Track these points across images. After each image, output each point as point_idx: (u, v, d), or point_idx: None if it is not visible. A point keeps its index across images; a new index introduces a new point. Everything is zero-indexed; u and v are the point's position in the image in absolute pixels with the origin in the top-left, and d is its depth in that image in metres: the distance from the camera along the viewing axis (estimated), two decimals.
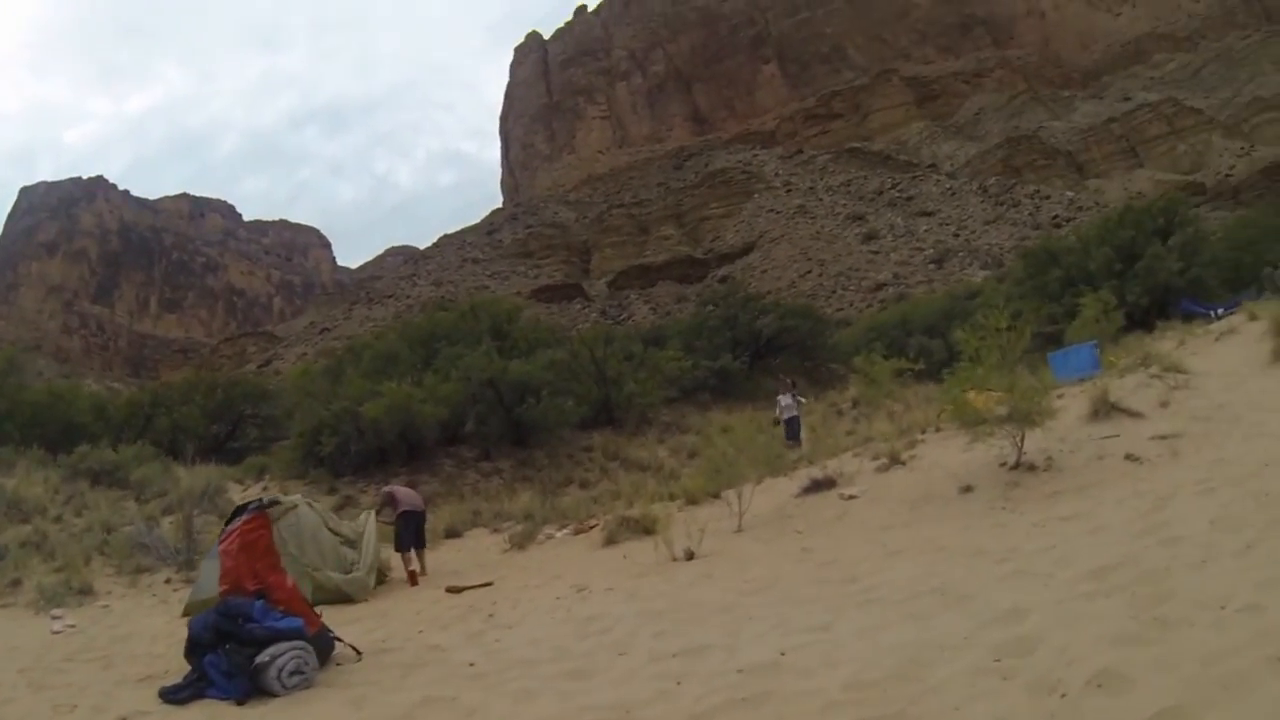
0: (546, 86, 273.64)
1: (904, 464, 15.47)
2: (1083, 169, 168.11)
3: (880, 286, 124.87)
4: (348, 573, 14.24)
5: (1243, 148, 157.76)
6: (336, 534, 14.86)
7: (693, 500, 17.14)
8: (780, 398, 27.68)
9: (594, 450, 31.69)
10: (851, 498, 14.11)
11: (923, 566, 9.02)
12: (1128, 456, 11.85)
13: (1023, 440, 12.82)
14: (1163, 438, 12.34)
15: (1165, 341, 24.77)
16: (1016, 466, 12.62)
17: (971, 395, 13.78)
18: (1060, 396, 16.01)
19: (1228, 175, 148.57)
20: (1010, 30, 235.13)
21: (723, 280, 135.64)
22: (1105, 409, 14.23)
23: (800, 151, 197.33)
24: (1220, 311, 33.81)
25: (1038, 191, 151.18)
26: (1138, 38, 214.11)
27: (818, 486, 15.37)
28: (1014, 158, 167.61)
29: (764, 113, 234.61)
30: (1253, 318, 23.39)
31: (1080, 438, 13.43)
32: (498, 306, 42.41)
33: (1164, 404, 14.45)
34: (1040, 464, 12.50)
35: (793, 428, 25.76)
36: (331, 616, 10.26)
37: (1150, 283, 37.01)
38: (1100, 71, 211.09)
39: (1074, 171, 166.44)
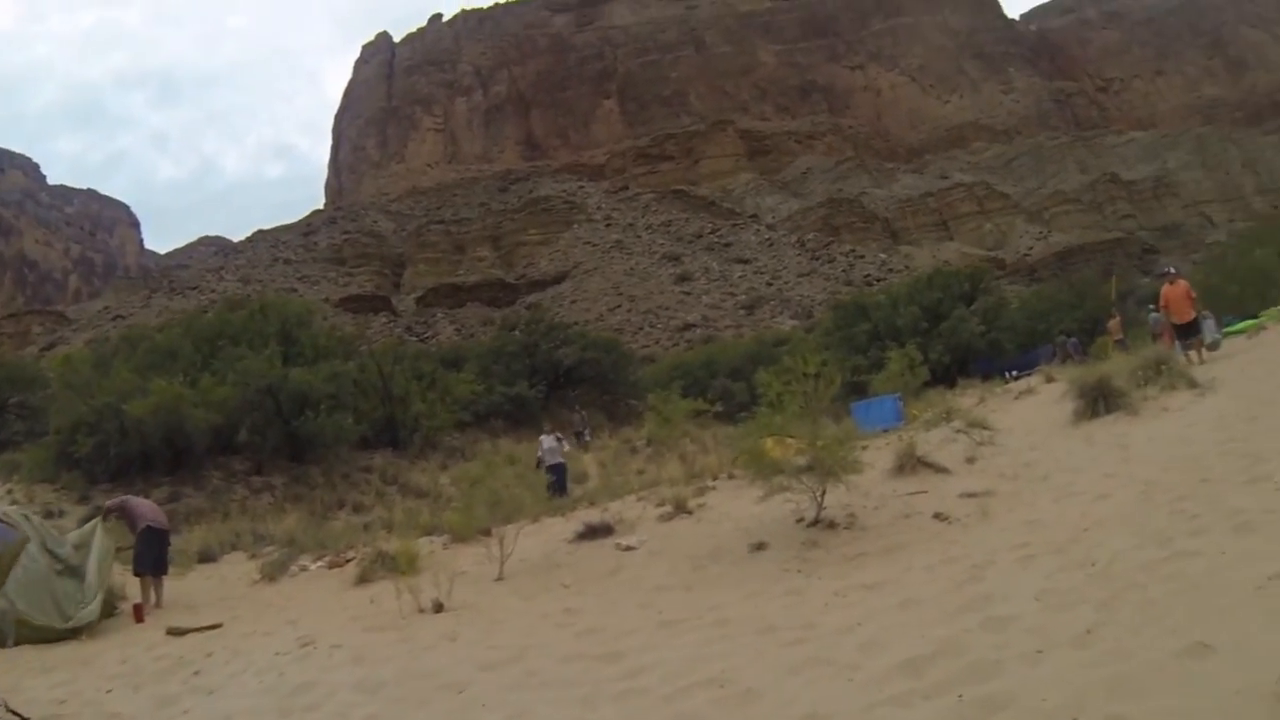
0: (388, 90, 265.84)
1: (690, 513, 13.94)
2: (897, 235, 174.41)
3: (688, 327, 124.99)
4: (68, 617, 11.70)
5: (1041, 232, 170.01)
6: (54, 556, 12.28)
7: (461, 537, 14.97)
8: (543, 438, 24.48)
9: (373, 472, 29.98)
10: (629, 549, 12.48)
11: (700, 644, 7.38)
12: (937, 515, 10.76)
13: (823, 495, 11.47)
14: (972, 495, 11.34)
15: (966, 398, 24.58)
16: (815, 523, 11.29)
17: (770, 443, 12.34)
18: (864, 448, 14.91)
19: (1026, 255, 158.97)
20: (847, 101, 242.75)
21: (530, 307, 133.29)
22: (911, 463, 13.21)
23: (626, 188, 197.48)
24: (1015, 374, 35.06)
25: (853, 251, 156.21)
26: (961, 125, 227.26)
27: (594, 533, 13.65)
28: (834, 217, 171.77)
29: (597, 146, 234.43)
30: (1049, 380, 23.44)
31: (885, 493, 12.35)
32: (288, 308, 39.67)
33: (970, 460, 13.55)
34: (842, 521, 11.25)
35: (559, 476, 22.31)
36: (25, 659, 9.25)
37: (953, 342, 38.32)
38: (923, 150, 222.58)
39: (888, 237, 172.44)
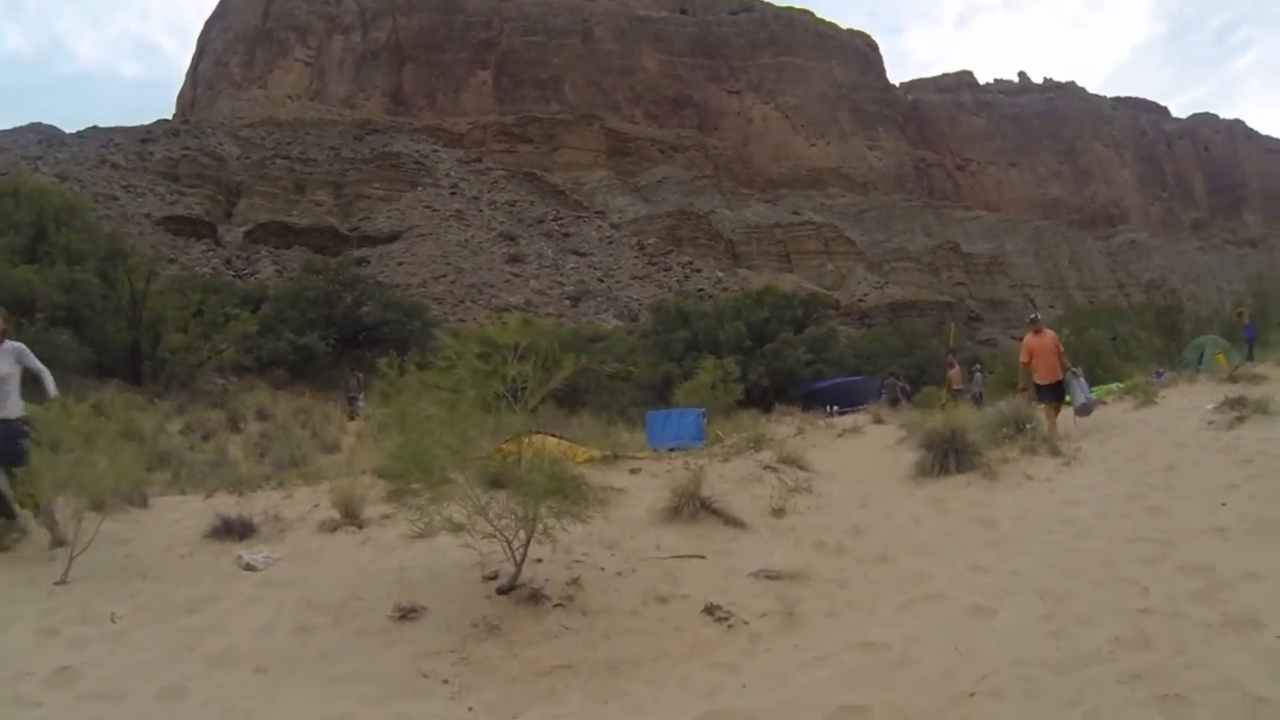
0: (265, 9, 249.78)
1: (361, 527, 9.47)
2: (739, 258, 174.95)
3: (509, 308, 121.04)
4: None
5: (879, 281, 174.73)
6: None
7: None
8: None
9: (101, 409, 24.44)
10: (249, 568, 7.99)
11: None
12: (711, 610, 6.52)
13: (527, 546, 6.94)
14: (773, 576, 7.22)
15: (783, 426, 21.00)
16: (511, 589, 6.84)
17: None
18: (634, 471, 10.87)
19: (860, 300, 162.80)
20: (717, 122, 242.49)
21: (359, 262, 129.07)
22: (692, 506, 8.99)
23: (480, 160, 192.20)
24: (836, 410, 32.31)
25: (691, 264, 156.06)
26: (822, 169, 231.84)
27: (228, 531, 9.19)
28: (680, 229, 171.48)
29: (462, 115, 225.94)
30: (879, 421, 20.02)
31: (642, 549, 8.25)
32: (46, 199, 34.13)
33: (778, 512, 9.69)
34: (556, 590, 6.98)
35: None
36: None
37: (776, 365, 36.02)
38: (781, 184, 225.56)
39: (730, 258, 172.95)
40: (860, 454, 15.11)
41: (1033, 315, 16.46)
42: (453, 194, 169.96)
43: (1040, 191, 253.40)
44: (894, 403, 31.52)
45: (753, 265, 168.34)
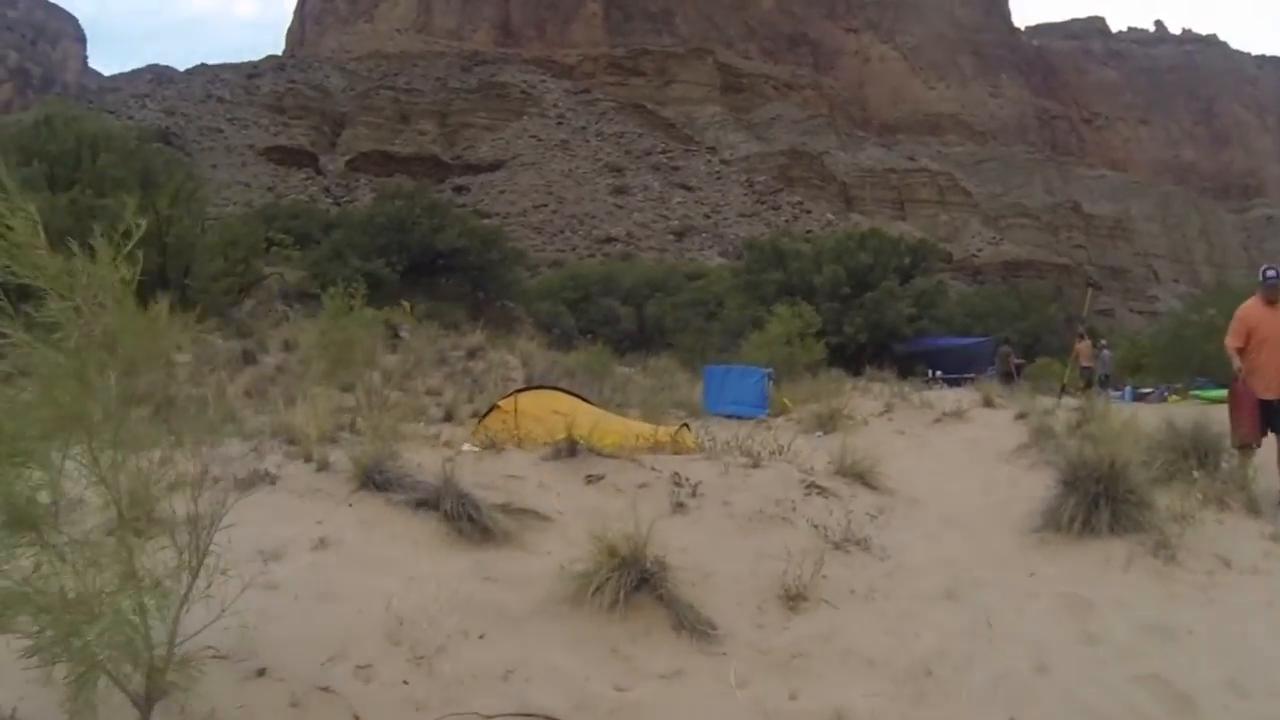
0: None
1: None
2: (851, 202, 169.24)
3: (610, 240, 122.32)
4: None
5: (994, 237, 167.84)
6: None
7: None
8: None
9: None
10: None
11: None
12: None
13: None
14: None
15: (867, 399, 16.88)
16: None
17: None
18: (592, 480, 7.26)
19: (974, 255, 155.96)
20: (833, 61, 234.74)
21: (459, 190, 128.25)
22: (626, 583, 5.27)
23: (588, 91, 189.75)
24: (939, 376, 28.39)
25: (801, 204, 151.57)
26: (940, 115, 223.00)
27: None
28: (792, 168, 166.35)
29: (571, 46, 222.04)
30: (988, 403, 15.73)
31: (475, 680, 4.37)
32: (83, 126, 31.95)
33: (792, 602, 5.62)
34: None
35: None
36: None
37: (875, 318, 31.66)
38: (898, 128, 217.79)
39: (842, 201, 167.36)
40: (961, 462, 10.86)
41: (1270, 271, 8.78)
42: (559, 124, 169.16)
43: (1171, 153, 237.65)
44: (1006, 377, 26.89)
45: (865, 210, 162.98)
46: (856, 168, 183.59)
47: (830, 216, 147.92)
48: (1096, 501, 6.58)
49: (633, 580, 5.17)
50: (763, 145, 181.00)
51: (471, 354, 27.86)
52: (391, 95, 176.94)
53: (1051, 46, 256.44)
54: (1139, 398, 26.00)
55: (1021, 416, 13.31)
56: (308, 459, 7.68)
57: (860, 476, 8.20)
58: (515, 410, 10.59)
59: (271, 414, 11.38)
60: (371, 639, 4.50)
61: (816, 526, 6.47)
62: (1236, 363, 8.56)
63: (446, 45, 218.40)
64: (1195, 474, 7.65)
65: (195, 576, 3.63)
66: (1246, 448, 8.23)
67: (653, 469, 7.61)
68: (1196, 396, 23.68)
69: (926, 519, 7.61)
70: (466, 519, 6.19)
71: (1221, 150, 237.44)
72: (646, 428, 10.71)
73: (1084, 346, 23.96)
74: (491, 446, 9.20)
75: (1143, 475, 6.83)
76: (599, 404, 16.36)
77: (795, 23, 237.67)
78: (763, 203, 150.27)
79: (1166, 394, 25.96)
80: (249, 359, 24.42)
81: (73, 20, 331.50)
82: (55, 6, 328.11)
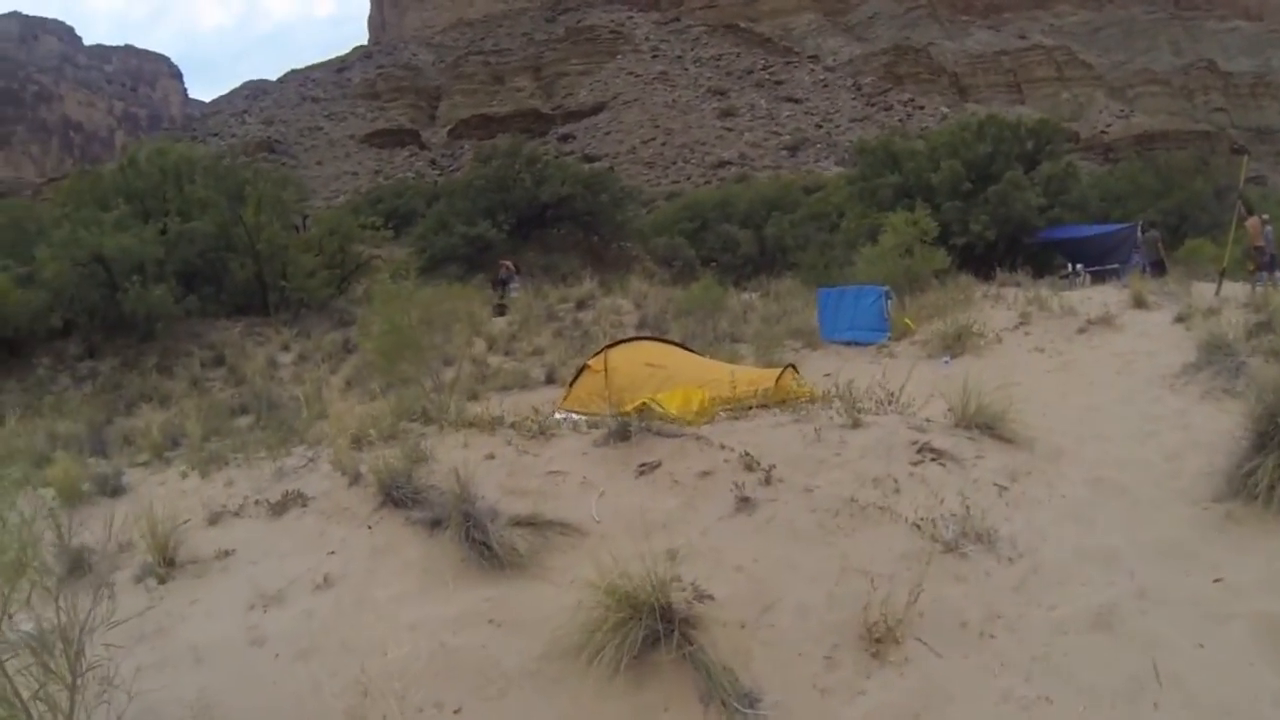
0: None
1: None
2: (964, 92, 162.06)
3: (723, 164, 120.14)
4: None
5: (1123, 110, 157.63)
6: None
7: None
8: None
9: (218, 349, 25.35)
10: None
11: None
12: None
13: None
14: None
15: (1001, 308, 15.07)
16: None
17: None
18: (645, 470, 6.13)
19: (1103, 132, 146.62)
20: None
21: (564, 139, 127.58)
22: (644, 637, 4.02)
23: (678, 19, 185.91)
24: (1081, 269, 25.93)
25: (912, 101, 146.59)
26: None
27: None
28: (898, 65, 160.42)
29: None
30: (1140, 304, 13.70)
31: None
32: (166, 159, 33.24)
33: (876, 645, 4.12)
34: None
35: None
36: None
37: (1003, 213, 29.44)
38: (1004, 7, 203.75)
39: (955, 92, 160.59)
40: (1114, 390, 9.04)
41: None
42: (654, 58, 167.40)
43: None
44: (1156, 267, 24.07)
45: (981, 99, 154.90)
46: (966, 55, 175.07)
47: (945, 110, 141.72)
48: None
49: (649, 634, 3.89)
50: (864, 46, 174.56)
51: (581, 304, 26.99)
52: (481, 59, 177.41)
53: None
54: None
55: (1182, 320, 11.29)
56: (343, 471, 6.80)
57: (988, 426, 6.54)
58: (605, 369, 9.83)
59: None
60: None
61: (919, 525, 4.88)
62: None
63: (528, 0, 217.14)
64: None
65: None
66: None
67: (722, 446, 6.14)
68: None
69: (1073, 485, 5.89)
70: (478, 542, 5.20)
71: None
72: (747, 374, 9.50)
73: (1254, 222, 20.44)
74: (585, 413, 8.40)
75: None
76: (706, 346, 15.26)
77: None
78: (873, 104, 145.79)
79: None
80: (350, 348, 24.09)
81: (164, 59, 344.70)
82: (146, 51, 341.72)
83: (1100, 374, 9.77)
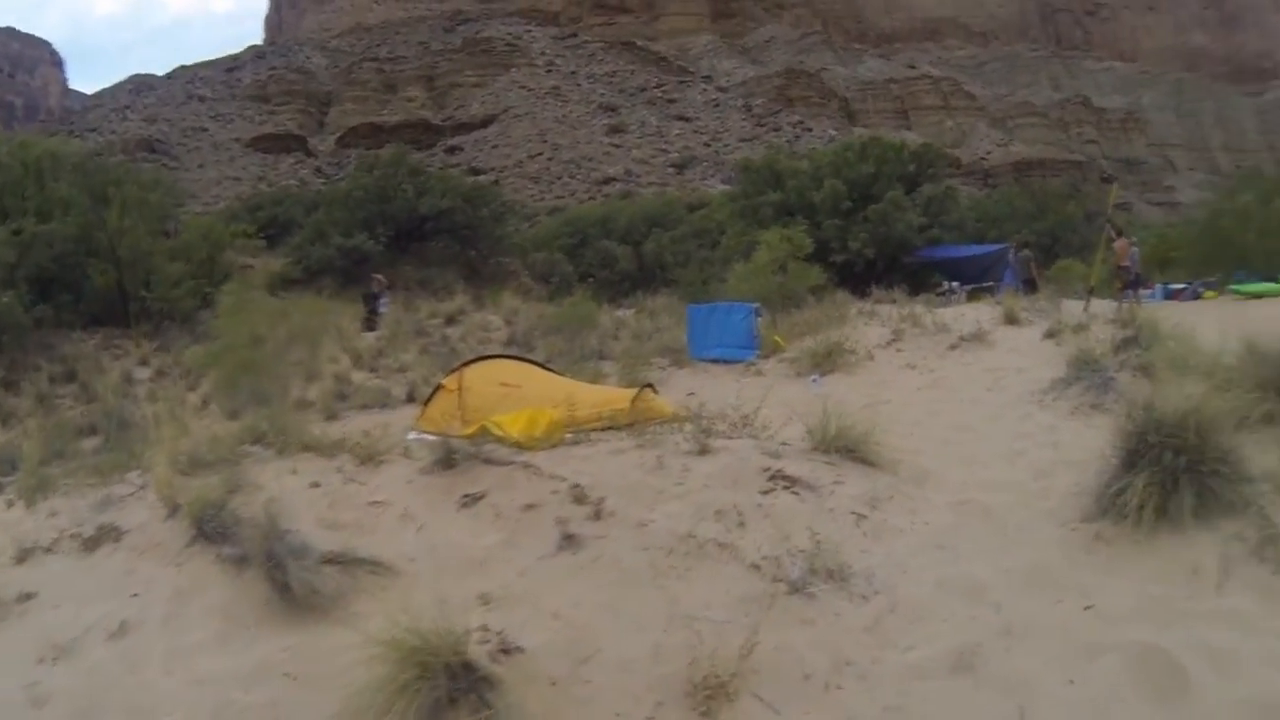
0: None
1: None
2: (853, 117, 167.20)
3: (609, 180, 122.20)
4: None
5: (1003, 139, 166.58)
6: None
7: None
8: None
9: (70, 363, 24.03)
10: None
11: None
12: None
13: None
14: None
15: (875, 325, 14.89)
16: None
17: None
18: (469, 501, 5.42)
19: (983, 159, 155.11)
20: None
21: (451, 150, 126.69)
22: None
23: (575, 35, 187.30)
24: (957, 287, 26.64)
25: (802, 123, 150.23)
26: (939, 19, 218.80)
27: None
28: (790, 88, 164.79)
29: None
30: (1012, 320, 13.66)
31: None
32: (29, 153, 31.43)
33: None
34: None
35: None
36: None
37: (883, 232, 30.26)
38: (895, 38, 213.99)
39: (844, 117, 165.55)
40: (983, 407, 8.78)
41: None
42: (549, 72, 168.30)
43: (1180, 40, 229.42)
44: (1029, 285, 24.60)
45: (869, 124, 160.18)
46: (856, 81, 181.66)
47: (833, 133, 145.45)
48: (1175, 477, 4.50)
49: (441, 695, 3.32)
50: (759, 68, 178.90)
51: (450, 320, 26.31)
52: (375, 66, 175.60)
53: None
54: (1172, 295, 24.44)
55: (1052, 335, 11.21)
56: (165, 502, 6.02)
57: (849, 449, 6.05)
58: (460, 388, 9.40)
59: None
60: None
61: (759, 565, 4.35)
62: None
63: (428, 8, 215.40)
64: None
65: None
66: None
67: (553, 476, 5.53)
68: (1235, 291, 22.42)
69: (937, 509, 5.45)
70: (280, 583, 4.59)
71: (1233, 33, 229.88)
72: (604, 394, 9.26)
73: (1122, 244, 21.45)
74: (439, 434, 7.73)
75: (1234, 433, 4.73)
76: (572, 364, 14.82)
77: None
78: (762, 125, 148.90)
79: (1201, 290, 24.45)
80: None
81: (46, 46, 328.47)
82: (28, 35, 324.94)
83: (971, 391, 9.54)
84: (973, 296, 24.32)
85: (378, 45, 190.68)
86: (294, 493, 5.51)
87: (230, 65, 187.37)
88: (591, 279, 40.81)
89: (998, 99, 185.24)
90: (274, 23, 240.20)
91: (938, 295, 23.68)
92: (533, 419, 7.30)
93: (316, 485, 5.96)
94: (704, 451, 5.91)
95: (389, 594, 4.44)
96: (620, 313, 26.42)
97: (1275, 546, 4.13)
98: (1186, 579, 4.08)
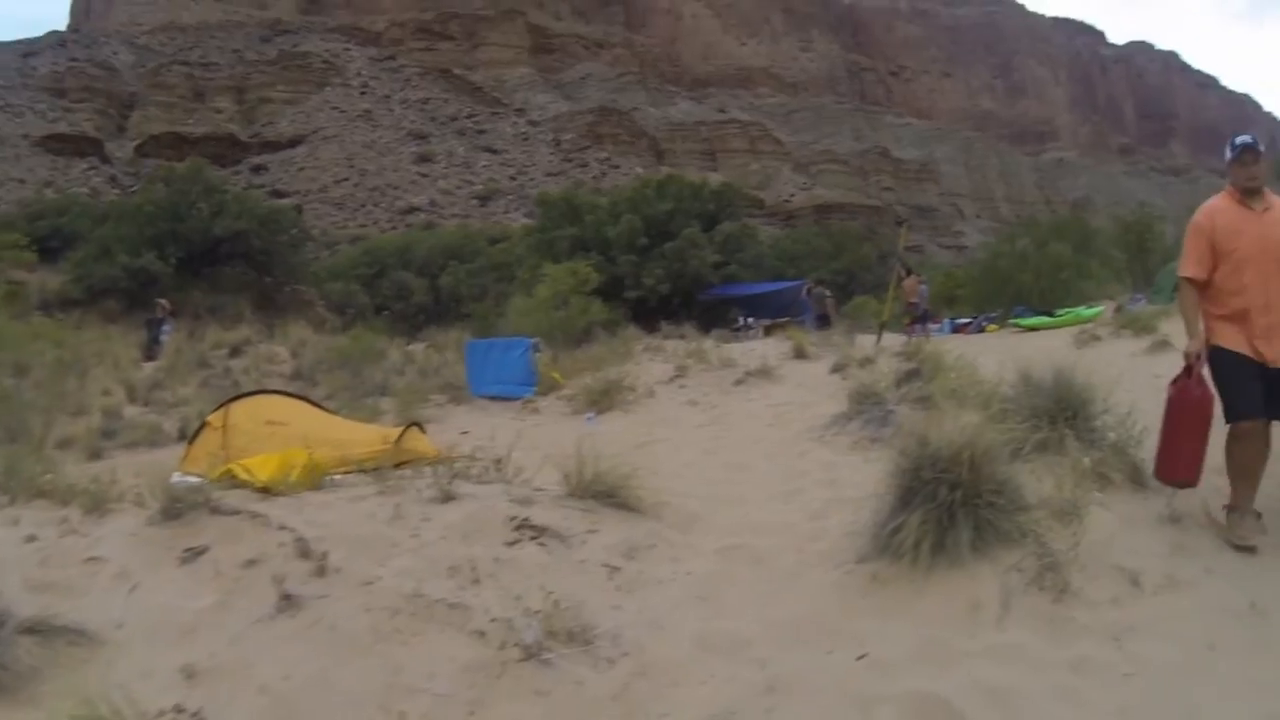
0: None
1: None
2: (661, 156, 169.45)
3: (413, 210, 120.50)
4: None
5: (805, 183, 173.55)
6: None
7: None
8: None
9: None
10: None
11: None
12: None
13: None
14: None
15: (658, 362, 14.75)
16: None
17: None
18: (189, 555, 4.62)
19: (786, 201, 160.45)
20: (645, 19, 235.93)
21: (257, 170, 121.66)
22: None
23: (394, 58, 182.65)
24: (751, 322, 27.50)
25: (609, 160, 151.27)
26: (752, 69, 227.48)
27: None
28: (600, 125, 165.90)
29: (380, 13, 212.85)
30: (801, 354, 13.79)
31: None
32: None
33: None
34: None
35: None
36: None
37: (678, 269, 30.76)
38: (708, 83, 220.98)
39: (653, 156, 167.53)
40: (763, 444, 8.57)
41: (1244, 138, 5.04)
42: (362, 94, 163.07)
43: (972, 103, 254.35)
44: (822, 320, 25.23)
45: (676, 163, 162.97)
46: (667, 122, 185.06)
47: (640, 171, 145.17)
48: (951, 511, 4.40)
49: None
50: (572, 104, 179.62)
51: (235, 350, 24.76)
52: (185, 71, 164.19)
53: (862, 4, 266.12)
54: (958, 329, 26.51)
55: (839, 370, 11.29)
56: None
57: (609, 494, 5.69)
58: (225, 426, 8.72)
59: None
60: None
61: (482, 632, 3.92)
62: (1196, 329, 4.93)
63: (247, 14, 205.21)
64: (1069, 442, 5.63)
65: None
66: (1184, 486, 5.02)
67: (282, 527, 4.92)
68: (1015, 324, 24.21)
69: (703, 557, 5.17)
70: None
71: (1018, 101, 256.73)
72: (369, 433, 8.78)
73: (910, 282, 22.42)
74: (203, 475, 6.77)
75: (1010, 462, 4.71)
76: (353, 400, 14.11)
77: None
78: (570, 160, 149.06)
79: (984, 324, 26.57)
80: None
81: None
82: None
83: (752, 428, 9.37)
84: (770, 331, 24.82)
85: (190, 48, 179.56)
86: (4, 547, 4.79)
87: (26, 50, 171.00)
88: (387, 311, 39.68)
89: (803, 146, 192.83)
90: (81, 8, 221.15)
91: (734, 331, 24.00)
92: (285, 462, 6.67)
93: (33, 539, 5.13)
94: (448, 499, 5.43)
95: (89, 668, 3.78)
96: (412, 347, 25.58)
97: (1055, 573, 4.13)
98: (967, 615, 3.97)
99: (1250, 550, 4.51)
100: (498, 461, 6.29)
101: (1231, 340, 4.79)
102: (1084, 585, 4.13)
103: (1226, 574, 4.36)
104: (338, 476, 6.77)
